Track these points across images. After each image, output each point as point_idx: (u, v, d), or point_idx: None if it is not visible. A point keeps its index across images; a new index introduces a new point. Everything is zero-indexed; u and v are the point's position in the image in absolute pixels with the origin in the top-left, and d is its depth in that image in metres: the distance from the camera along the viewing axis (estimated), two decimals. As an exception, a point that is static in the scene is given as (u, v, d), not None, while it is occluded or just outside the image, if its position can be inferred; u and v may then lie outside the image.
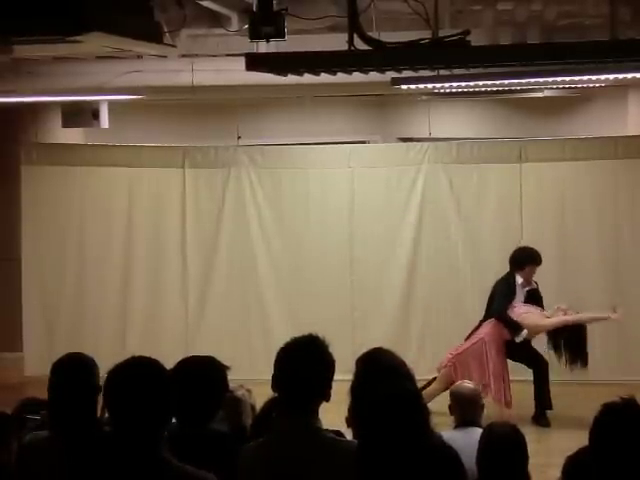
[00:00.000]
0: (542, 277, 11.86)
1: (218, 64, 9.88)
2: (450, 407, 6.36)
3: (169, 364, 4.24)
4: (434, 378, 9.93)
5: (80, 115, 12.11)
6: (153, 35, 6.67)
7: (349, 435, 4.18)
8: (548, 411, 10.07)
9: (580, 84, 10.51)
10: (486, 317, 10.16)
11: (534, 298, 10.27)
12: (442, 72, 8.12)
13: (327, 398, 3.94)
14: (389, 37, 6.71)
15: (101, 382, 4.32)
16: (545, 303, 11.85)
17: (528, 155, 11.95)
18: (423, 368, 9.85)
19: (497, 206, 11.91)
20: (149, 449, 3.40)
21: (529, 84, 9.99)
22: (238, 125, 13.54)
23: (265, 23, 6.54)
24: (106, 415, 4.95)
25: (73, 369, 4.33)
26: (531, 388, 10.27)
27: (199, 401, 4.35)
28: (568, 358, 9.86)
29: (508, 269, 10.31)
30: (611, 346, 11.70)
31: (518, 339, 9.96)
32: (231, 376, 4.60)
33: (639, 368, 11.43)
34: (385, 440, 3.64)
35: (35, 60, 10.10)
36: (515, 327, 9.96)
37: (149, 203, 12.58)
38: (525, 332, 9.97)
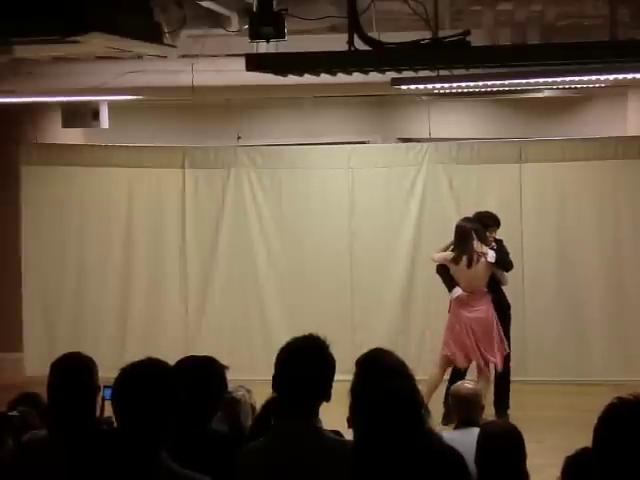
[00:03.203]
0: (542, 277, 11.90)
1: (218, 64, 9.88)
2: (450, 407, 6.36)
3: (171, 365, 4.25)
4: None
5: (80, 115, 12.11)
6: (153, 35, 6.68)
7: (349, 435, 4.18)
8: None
9: (580, 84, 10.51)
10: None
11: None
12: (442, 72, 8.12)
13: (327, 398, 3.94)
14: (389, 37, 6.72)
15: (100, 382, 4.35)
16: (545, 303, 11.90)
17: (528, 155, 11.95)
18: (423, 368, 9.87)
19: (497, 206, 11.85)
20: (149, 451, 3.40)
21: (529, 84, 9.99)
22: (238, 125, 13.54)
23: (265, 23, 6.55)
24: (105, 415, 4.97)
25: (72, 369, 4.33)
26: (529, 388, 10.30)
27: (198, 401, 4.35)
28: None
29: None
30: (611, 346, 11.71)
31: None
32: (231, 376, 4.60)
33: (639, 368, 11.43)
34: (382, 439, 3.64)
35: (35, 60, 10.11)
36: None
37: (149, 203, 12.58)
38: (457, 289, 10.09)
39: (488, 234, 10.19)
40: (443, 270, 10.24)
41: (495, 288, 10.22)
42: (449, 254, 10.11)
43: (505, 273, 10.26)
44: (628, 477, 3.08)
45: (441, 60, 6.54)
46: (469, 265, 9.98)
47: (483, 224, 10.18)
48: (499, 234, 10.47)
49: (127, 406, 3.42)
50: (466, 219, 10.24)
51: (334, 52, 6.64)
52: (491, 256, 10.01)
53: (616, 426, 3.11)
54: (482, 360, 9.92)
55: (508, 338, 10.23)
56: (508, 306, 10.40)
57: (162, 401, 3.40)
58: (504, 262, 10.20)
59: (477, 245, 10.00)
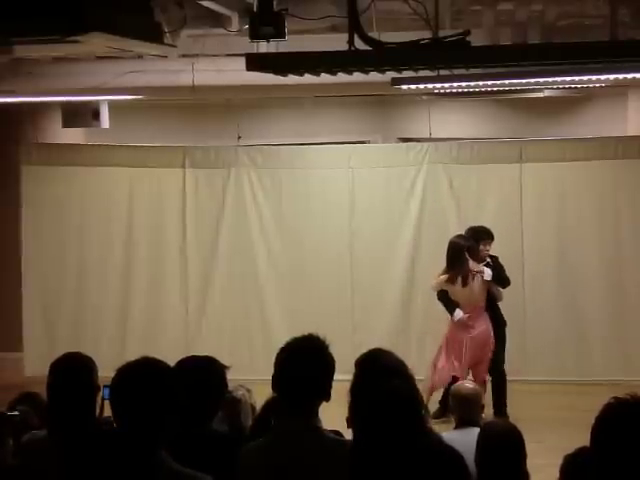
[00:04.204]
0: (542, 277, 11.90)
1: (218, 64, 9.88)
2: (450, 407, 6.36)
3: (169, 364, 4.25)
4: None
5: (80, 115, 12.11)
6: (153, 35, 6.68)
7: (349, 435, 4.18)
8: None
9: (580, 84, 10.51)
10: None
11: None
12: (442, 72, 8.12)
13: (327, 398, 3.94)
14: (389, 37, 6.72)
15: (99, 382, 4.35)
16: (545, 303, 11.90)
17: (528, 155, 11.95)
18: (423, 368, 9.86)
19: (497, 206, 11.91)
20: (148, 450, 3.40)
21: (529, 84, 9.99)
22: (238, 125, 13.53)
23: (265, 23, 6.55)
24: (104, 415, 4.98)
25: (71, 369, 4.33)
26: (529, 387, 10.29)
27: (198, 401, 4.35)
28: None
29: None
30: (611, 346, 11.71)
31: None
32: (231, 376, 4.60)
33: (639, 368, 11.43)
34: (381, 439, 3.64)
35: (35, 60, 10.11)
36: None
37: (149, 203, 12.58)
38: (458, 311, 10.05)
39: (482, 247, 10.19)
40: (443, 295, 10.23)
41: (491, 305, 10.22)
42: (444, 277, 10.12)
43: (501, 289, 10.27)
44: (626, 476, 3.08)
45: (441, 60, 6.54)
46: (464, 284, 10.00)
47: (476, 239, 10.17)
48: (498, 241, 10.46)
49: (124, 406, 3.43)
50: (459, 236, 10.24)
51: (334, 52, 6.64)
52: (487, 274, 10.05)
53: (613, 426, 3.11)
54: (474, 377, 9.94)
55: (503, 355, 10.25)
56: (504, 323, 10.38)
57: (159, 400, 3.41)
58: (501, 279, 10.23)
59: (472, 264, 10.01)
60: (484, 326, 10.06)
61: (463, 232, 10.37)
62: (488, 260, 10.23)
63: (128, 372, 3.46)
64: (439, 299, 10.28)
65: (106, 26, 5.64)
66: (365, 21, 6.66)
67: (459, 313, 10.05)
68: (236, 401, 5.74)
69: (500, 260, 10.35)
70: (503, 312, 10.41)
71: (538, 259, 11.91)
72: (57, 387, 4.31)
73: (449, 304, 10.16)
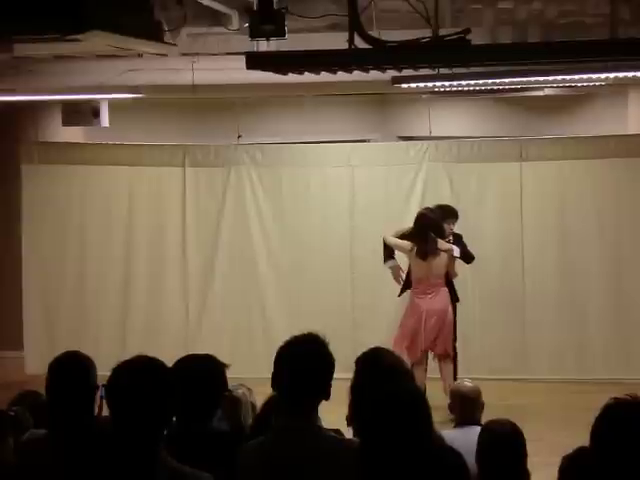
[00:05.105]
0: (542, 276, 11.89)
1: (219, 63, 9.88)
2: (450, 406, 6.36)
3: (169, 363, 4.24)
4: None
5: (80, 114, 12.10)
6: (153, 34, 6.68)
7: (349, 434, 4.18)
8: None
9: (580, 83, 10.51)
10: None
11: None
12: (442, 71, 8.13)
13: (327, 397, 3.94)
14: (390, 36, 6.72)
15: (99, 381, 4.34)
16: (546, 301, 11.89)
17: (528, 154, 11.94)
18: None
19: (497, 205, 11.90)
20: (147, 448, 3.40)
21: (529, 83, 9.99)
22: (238, 124, 13.52)
23: (265, 22, 6.54)
24: (103, 414, 4.98)
25: (70, 368, 4.33)
26: (528, 387, 10.28)
27: (198, 399, 4.35)
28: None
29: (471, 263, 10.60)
30: (611, 345, 11.70)
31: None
32: (231, 375, 4.60)
33: (639, 367, 11.42)
34: (387, 440, 3.63)
35: (35, 59, 10.10)
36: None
37: (149, 202, 12.57)
38: (393, 261, 10.35)
39: (447, 226, 10.31)
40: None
41: (447, 282, 10.32)
42: (407, 244, 10.16)
43: (455, 269, 10.38)
44: (625, 477, 3.08)
45: (441, 58, 6.55)
46: (424, 257, 10.03)
47: (442, 217, 10.32)
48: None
49: (121, 404, 3.43)
50: (428, 209, 10.35)
51: (335, 50, 6.64)
52: (456, 251, 10.17)
53: (613, 426, 3.11)
54: (438, 350, 10.03)
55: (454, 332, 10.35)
56: (457, 300, 10.51)
57: (155, 398, 3.40)
58: (466, 255, 10.41)
59: (441, 243, 10.07)
60: (444, 300, 10.15)
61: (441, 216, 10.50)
62: (450, 238, 10.33)
63: (123, 371, 3.46)
64: (384, 245, 10.38)
65: (106, 25, 5.64)
66: (365, 20, 6.66)
67: (393, 262, 10.17)
68: (236, 400, 5.74)
69: (464, 239, 10.52)
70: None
71: (538, 258, 11.89)
72: (56, 386, 4.30)
73: (388, 252, 10.35)
